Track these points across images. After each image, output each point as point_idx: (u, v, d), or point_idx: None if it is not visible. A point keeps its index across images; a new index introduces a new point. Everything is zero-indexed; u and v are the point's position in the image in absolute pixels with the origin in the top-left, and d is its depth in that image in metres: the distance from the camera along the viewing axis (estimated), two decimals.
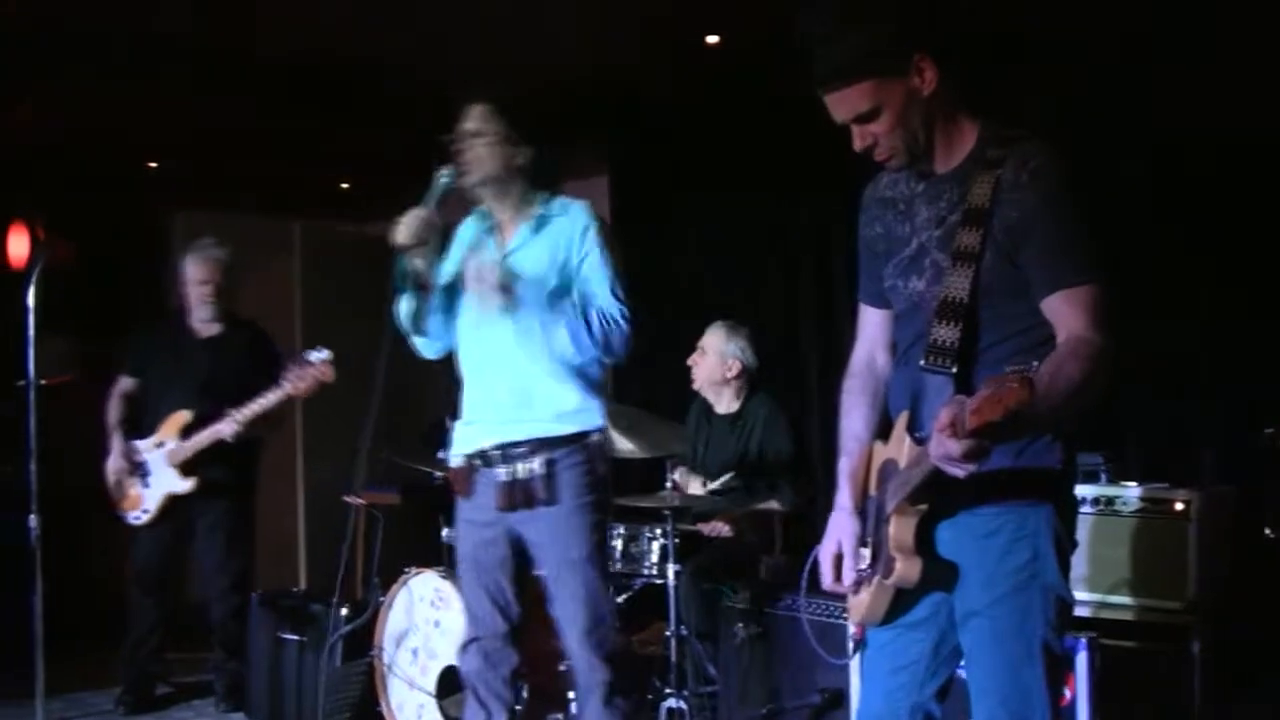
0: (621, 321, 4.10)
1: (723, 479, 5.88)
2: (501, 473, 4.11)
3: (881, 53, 2.71)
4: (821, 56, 2.73)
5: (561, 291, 4.10)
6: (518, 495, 4.07)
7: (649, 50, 6.75)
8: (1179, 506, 4.61)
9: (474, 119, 4.19)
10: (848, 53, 2.70)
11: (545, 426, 4.09)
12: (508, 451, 4.10)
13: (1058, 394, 2.44)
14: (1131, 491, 4.73)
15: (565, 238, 4.18)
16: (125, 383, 6.53)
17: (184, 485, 6.21)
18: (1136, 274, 5.60)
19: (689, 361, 6.22)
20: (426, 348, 4.31)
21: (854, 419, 3.12)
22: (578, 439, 4.11)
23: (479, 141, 4.17)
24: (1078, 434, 2.84)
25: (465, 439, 4.23)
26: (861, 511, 3.01)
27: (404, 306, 4.20)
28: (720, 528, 5.79)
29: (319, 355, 5.72)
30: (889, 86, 2.72)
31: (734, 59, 6.73)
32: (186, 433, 6.20)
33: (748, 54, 6.58)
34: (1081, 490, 4.74)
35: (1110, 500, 4.73)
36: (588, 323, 4.02)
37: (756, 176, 7.52)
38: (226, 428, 6.01)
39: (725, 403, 6.18)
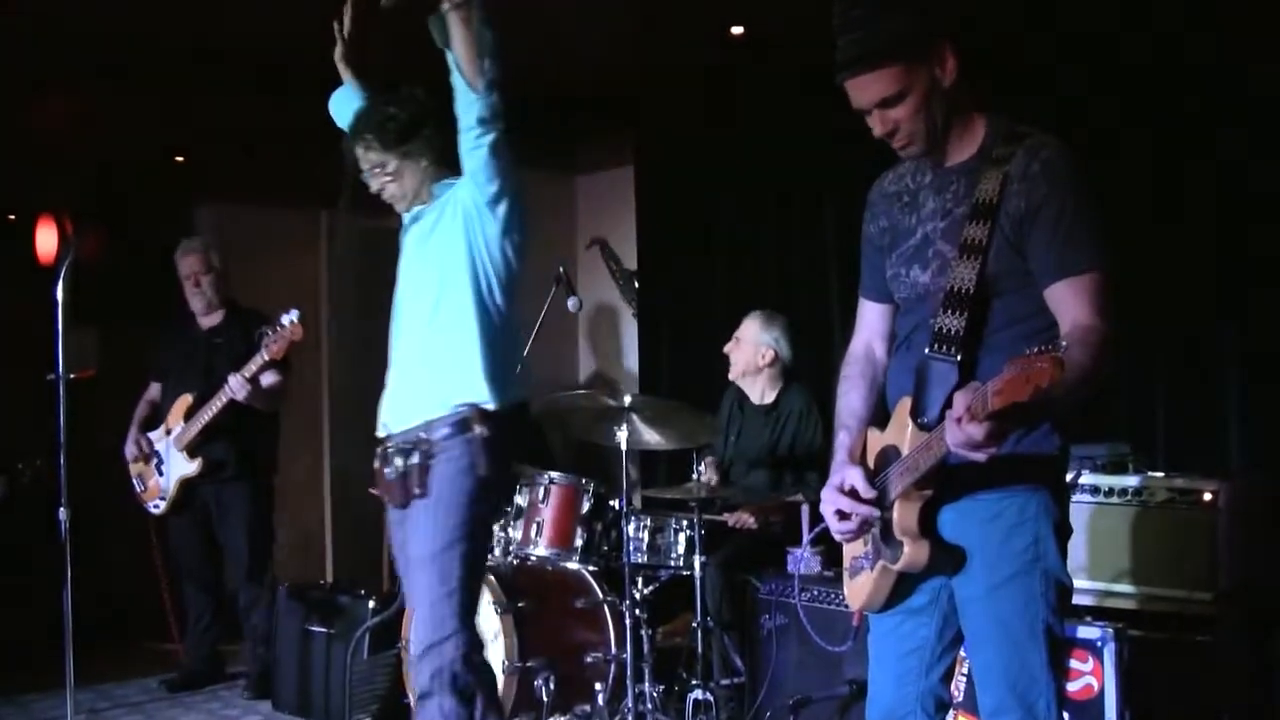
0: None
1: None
2: (387, 470, 3.97)
3: (911, 39, 2.77)
4: (851, 42, 2.78)
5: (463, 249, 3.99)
6: (398, 492, 3.92)
7: (674, 40, 6.74)
8: (1207, 497, 4.58)
9: (369, 157, 4.07)
10: (880, 38, 2.75)
11: (426, 399, 3.93)
12: (397, 444, 3.96)
13: (1072, 380, 2.45)
14: (1159, 482, 4.71)
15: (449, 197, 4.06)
16: (152, 388, 6.69)
17: (191, 467, 6.34)
18: (1161, 260, 5.59)
19: (725, 350, 6.21)
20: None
21: (852, 398, 3.16)
22: (461, 428, 3.88)
23: (385, 173, 4.08)
24: (1072, 422, 2.89)
25: (382, 415, 4.11)
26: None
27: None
28: (745, 519, 5.79)
29: (289, 317, 5.76)
30: (915, 72, 2.78)
31: (759, 49, 6.72)
32: (191, 416, 6.29)
33: (773, 44, 6.57)
34: (1109, 481, 4.74)
35: (1138, 491, 4.71)
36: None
37: (782, 167, 7.50)
38: (235, 384, 6.04)
39: (759, 393, 6.16)
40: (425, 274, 4.06)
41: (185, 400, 6.38)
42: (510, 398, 3.99)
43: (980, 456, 2.48)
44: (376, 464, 4.07)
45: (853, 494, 2.92)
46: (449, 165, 4.06)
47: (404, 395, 4.04)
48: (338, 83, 4.51)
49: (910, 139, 2.86)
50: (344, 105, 4.42)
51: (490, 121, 3.86)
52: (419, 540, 3.89)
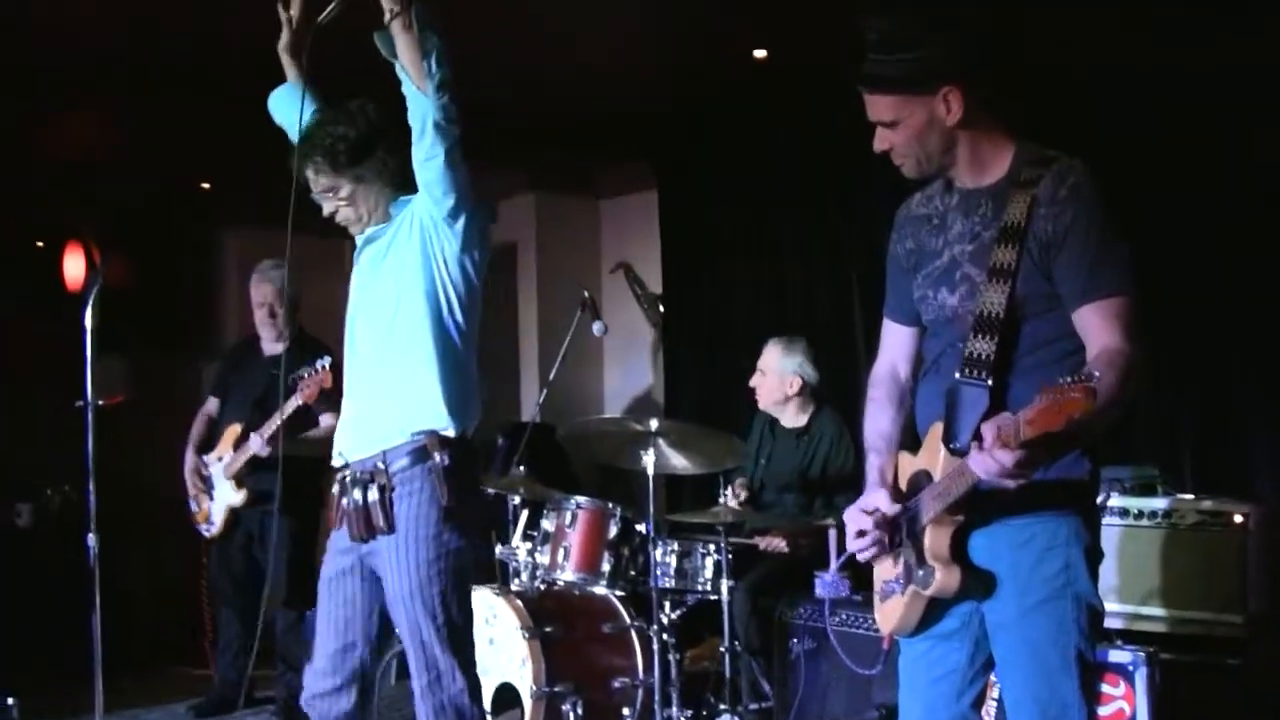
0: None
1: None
2: (345, 500, 3.80)
3: (909, 77, 2.86)
4: (870, 60, 2.88)
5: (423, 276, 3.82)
6: (360, 524, 3.75)
7: (698, 65, 6.75)
8: (1238, 519, 4.56)
9: (319, 180, 3.89)
10: (885, 67, 2.86)
11: (385, 426, 3.78)
12: (354, 474, 3.80)
13: (1103, 404, 2.45)
14: (1188, 504, 4.69)
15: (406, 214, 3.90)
16: (210, 403, 6.71)
17: (237, 497, 6.36)
18: (1185, 280, 5.57)
19: (751, 384, 6.21)
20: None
21: (881, 420, 3.18)
22: (420, 458, 3.74)
23: (339, 197, 3.90)
24: (1101, 445, 2.89)
25: (338, 443, 3.95)
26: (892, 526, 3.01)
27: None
28: (776, 542, 5.78)
29: (322, 362, 5.69)
30: (912, 106, 2.87)
31: (782, 73, 6.73)
32: (239, 446, 6.32)
33: (796, 68, 6.58)
34: (1139, 503, 4.73)
35: (1167, 513, 4.69)
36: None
37: (806, 190, 7.51)
38: (254, 444, 6.08)
39: (790, 417, 6.18)
40: (382, 295, 3.88)
41: (234, 430, 6.40)
42: (469, 423, 3.86)
43: (1010, 484, 2.50)
44: (335, 492, 3.92)
45: (875, 515, 2.94)
46: (405, 184, 3.88)
47: (361, 423, 3.88)
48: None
49: (901, 160, 2.96)
50: (285, 104, 4.14)
51: (444, 127, 3.67)
52: (394, 579, 3.74)
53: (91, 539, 5.15)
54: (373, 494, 3.73)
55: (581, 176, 9.10)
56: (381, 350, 3.86)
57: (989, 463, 2.47)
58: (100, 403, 5.25)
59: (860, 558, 3.08)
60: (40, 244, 8.98)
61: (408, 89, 3.68)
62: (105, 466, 5.22)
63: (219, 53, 6.28)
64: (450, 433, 3.77)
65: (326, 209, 3.95)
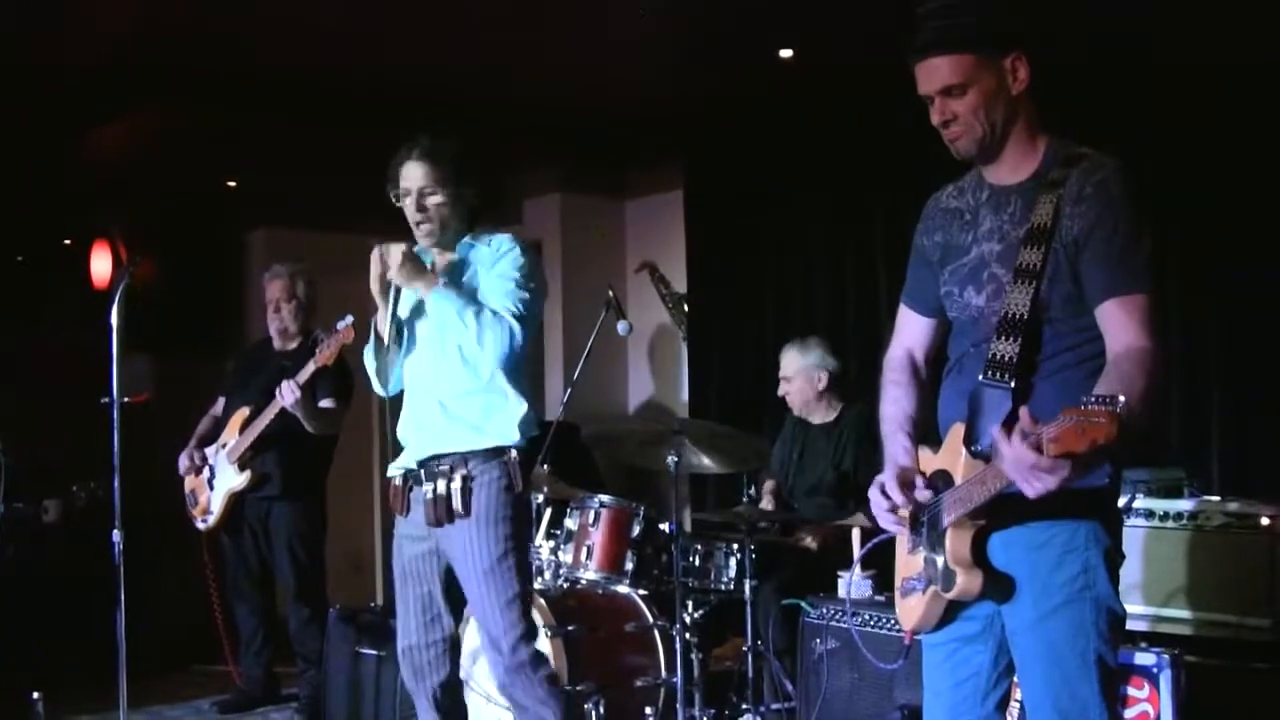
0: (501, 316, 4.03)
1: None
2: (426, 489, 4.17)
3: (991, 37, 2.84)
4: (932, 27, 2.85)
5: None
6: (440, 510, 4.12)
7: (722, 65, 6.74)
8: (1265, 521, 4.53)
9: (422, 174, 4.14)
10: (962, 27, 2.83)
11: (463, 439, 4.14)
12: (430, 468, 4.17)
13: (1136, 415, 2.41)
14: (1215, 506, 4.66)
15: (479, 263, 4.21)
16: (217, 404, 6.69)
17: (239, 480, 6.30)
18: (1215, 281, 5.54)
19: (780, 393, 6.21)
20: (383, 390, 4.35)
21: (904, 403, 3.17)
22: (495, 454, 4.14)
23: (437, 199, 4.15)
24: (1135, 451, 2.86)
25: (401, 457, 4.31)
26: (914, 517, 2.98)
27: (371, 362, 4.36)
28: (806, 540, 5.76)
29: (343, 322, 5.67)
30: (984, 69, 2.84)
31: (808, 73, 6.71)
32: (245, 429, 6.28)
33: (822, 68, 6.56)
34: (1165, 505, 4.70)
35: (1193, 515, 4.66)
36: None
37: (830, 187, 7.50)
38: (285, 389, 5.97)
39: (821, 415, 6.20)
40: (451, 319, 4.09)
41: (242, 413, 6.36)
42: (532, 431, 4.26)
43: (1032, 486, 2.46)
44: (396, 483, 4.30)
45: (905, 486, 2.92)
46: (473, 223, 4.25)
47: (435, 425, 4.20)
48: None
49: (963, 132, 2.89)
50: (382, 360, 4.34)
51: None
52: (472, 556, 4.12)
53: (117, 535, 5.18)
54: (455, 484, 4.11)
55: (607, 177, 9.10)
56: (454, 370, 4.18)
57: (1019, 460, 2.42)
58: (126, 400, 5.27)
59: (882, 522, 3.03)
60: (68, 242, 9.03)
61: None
62: (131, 464, 5.24)
63: (248, 57, 6.30)
64: (522, 445, 4.21)
65: (415, 206, 4.16)
